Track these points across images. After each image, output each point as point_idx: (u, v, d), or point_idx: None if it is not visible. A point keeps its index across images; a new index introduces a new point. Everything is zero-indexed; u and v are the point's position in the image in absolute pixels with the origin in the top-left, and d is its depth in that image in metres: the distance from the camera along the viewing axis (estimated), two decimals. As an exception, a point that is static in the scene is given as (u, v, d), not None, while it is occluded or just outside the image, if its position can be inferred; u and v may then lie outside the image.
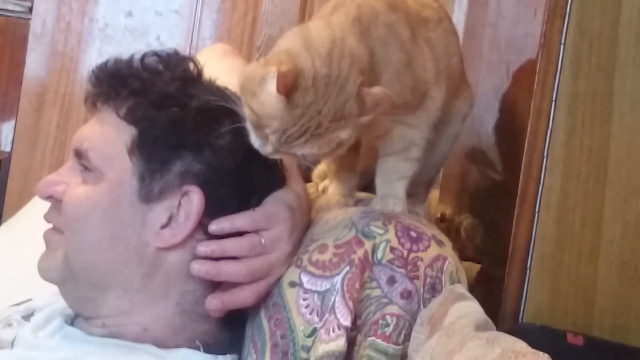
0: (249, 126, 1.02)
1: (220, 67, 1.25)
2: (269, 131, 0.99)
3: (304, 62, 0.98)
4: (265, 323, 1.08)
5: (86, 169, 1.08)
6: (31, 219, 1.51)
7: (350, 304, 1.03)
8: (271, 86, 0.96)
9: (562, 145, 1.17)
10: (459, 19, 1.82)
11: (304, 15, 2.20)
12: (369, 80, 1.03)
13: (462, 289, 1.07)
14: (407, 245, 1.08)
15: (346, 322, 1.02)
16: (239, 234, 1.07)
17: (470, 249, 1.41)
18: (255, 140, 1.02)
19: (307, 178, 1.30)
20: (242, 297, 1.07)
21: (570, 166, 1.17)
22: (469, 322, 0.97)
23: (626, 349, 1.13)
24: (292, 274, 1.09)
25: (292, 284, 1.08)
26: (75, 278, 1.07)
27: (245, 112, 1.01)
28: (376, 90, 1.02)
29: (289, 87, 0.96)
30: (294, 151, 1.01)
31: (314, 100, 0.98)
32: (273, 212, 1.09)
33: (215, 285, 1.08)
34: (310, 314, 1.05)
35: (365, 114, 1.01)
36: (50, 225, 1.11)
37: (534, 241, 1.17)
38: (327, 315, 1.03)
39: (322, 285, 1.06)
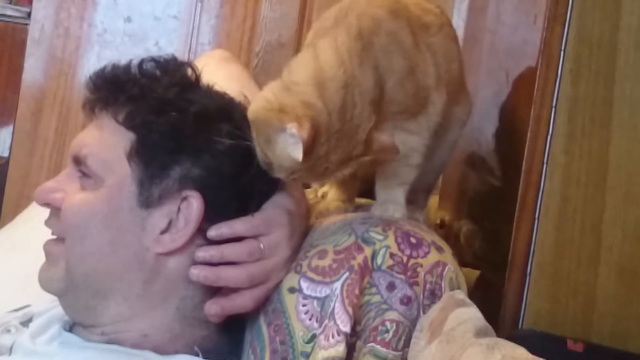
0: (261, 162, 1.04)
1: (218, 73, 1.25)
2: (278, 170, 1.02)
3: (320, 118, 0.99)
4: (264, 329, 1.08)
5: (85, 175, 1.07)
6: (29, 224, 1.51)
7: (350, 310, 1.03)
8: (290, 144, 0.97)
9: (561, 152, 1.17)
10: (458, 25, 1.81)
11: (302, 21, 2.20)
12: (376, 100, 1.05)
13: (462, 295, 1.06)
14: (407, 252, 1.07)
15: (346, 328, 1.02)
16: (238, 239, 1.07)
17: (469, 255, 1.41)
18: (263, 165, 1.04)
19: (306, 183, 1.29)
20: (241, 302, 1.07)
21: (569, 172, 1.17)
22: (468, 328, 0.97)
23: (626, 356, 1.13)
24: (291, 279, 1.09)
25: (292, 290, 1.08)
26: (76, 287, 1.07)
27: (257, 150, 1.03)
28: (384, 138, 1.06)
29: (309, 149, 0.98)
30: (301, 182, 1.10)
31: (326, 152, 1.00)
32: (272, 217, 1.09)
33: (215, 291, 1.07)
34: (310, 319, 1.05)
35: (369, 155, 1.04)
36: (51, 235, 1.10)
37: (534, 247, 1.17)
38: (326, 321, 1.03)
39: (322, 291, 1.06)
